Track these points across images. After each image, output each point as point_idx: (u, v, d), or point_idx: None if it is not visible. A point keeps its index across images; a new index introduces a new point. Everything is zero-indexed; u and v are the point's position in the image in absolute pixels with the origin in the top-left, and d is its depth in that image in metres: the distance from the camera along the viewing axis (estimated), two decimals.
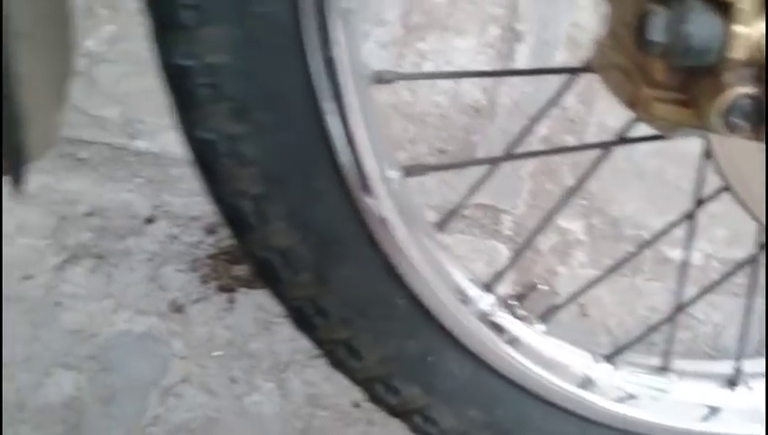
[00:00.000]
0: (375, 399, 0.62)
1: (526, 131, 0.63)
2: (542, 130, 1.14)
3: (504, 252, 1.00)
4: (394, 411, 0.62)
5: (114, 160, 1.13)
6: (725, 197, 0.59)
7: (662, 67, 0.41)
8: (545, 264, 0.99)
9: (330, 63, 0.50)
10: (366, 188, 0.54)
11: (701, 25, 0.37)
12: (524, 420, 0.66)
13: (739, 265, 0.67)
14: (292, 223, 0.53)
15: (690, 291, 0.96)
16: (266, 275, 0.55)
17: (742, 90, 0.39)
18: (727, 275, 0.68)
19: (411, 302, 0.58)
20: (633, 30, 0.39)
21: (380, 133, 0.55)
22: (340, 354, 0.59)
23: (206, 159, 0.51)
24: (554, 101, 0.61)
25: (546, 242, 1.01)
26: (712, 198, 0.63)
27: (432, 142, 1.15)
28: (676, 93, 0.41)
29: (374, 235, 0.55)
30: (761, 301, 0.95)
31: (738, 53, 0.37)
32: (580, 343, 0.70)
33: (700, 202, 0.64)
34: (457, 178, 1.07)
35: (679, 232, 1.00)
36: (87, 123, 1.16)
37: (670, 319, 0.70)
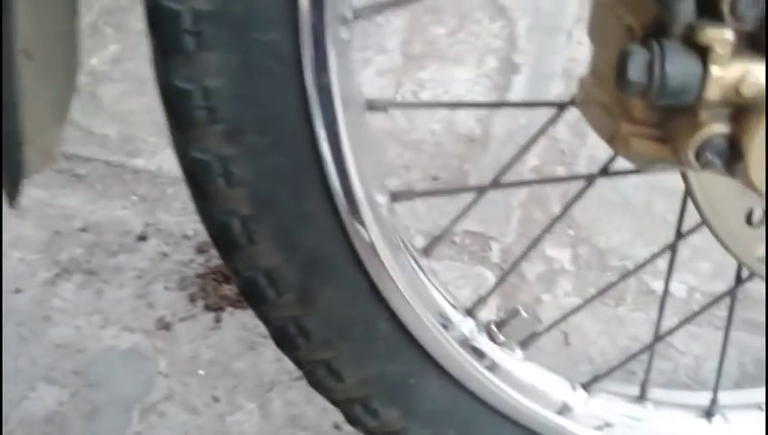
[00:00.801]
0: (353, 421, 0.63)
1: (514, 161, 0.64)
2: (534, 160, 1.16)
3: (491, 279, 1.02)
4: (372, 434, 0.63)
5: (111, 178, 1.14)
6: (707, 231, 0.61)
7: (641, 105, 0.42)
8: (530, 292, 1.00)
9: (324, 90, 0.51)
10: (354, 212, 0.55)
11: (679, 67, 0.38)
12: None
13: (717, 298, 0.68)
14: (279, 244, 0.54)
15: (673, 322, 0.98)
16: (251, 295, 0.56)
17: (716, 128, 0.40)
18: (706, 307, 0.69)
19: (394, 325, 0.60)
20: (614, 69, 0.41)
21: (371, 159, 0.57)
22: (320, 375, 0.60)
23: (199, 179, 0.52)
24: (541, 133, 0.63)
25: (532, 270, 1.02)
26: (692, 231, 0.64)
27: (426, 169, 1.17)
28: (653, 130, 0.43)
29: (360, 258, 0.57)
30: (740, 334, 0.96)
31: (713, 94, 0.38)
32: (560, 370, 0.71)
33: (680, 235, 0.66)
34: (448, 205, 1.08)
35: (663, 263, 1.02)
36: (87, 140, 1.18)
37: (648, 349, 0.71)
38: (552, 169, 1.14)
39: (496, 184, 0.64)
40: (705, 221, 0.55)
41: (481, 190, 0.65)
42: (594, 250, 1.04)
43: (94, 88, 1.27)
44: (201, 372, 0.88)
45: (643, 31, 0.40)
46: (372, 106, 0.57)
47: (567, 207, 0.64)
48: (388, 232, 0.59)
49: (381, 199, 0.59)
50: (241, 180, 0.52)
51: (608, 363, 0.88)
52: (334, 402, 0.63)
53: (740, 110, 0.40)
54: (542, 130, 0.63)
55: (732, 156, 0.40)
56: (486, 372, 0.66)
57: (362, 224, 0.56)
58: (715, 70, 0.38)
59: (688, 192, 0.54)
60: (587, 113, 0.48)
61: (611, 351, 0.92)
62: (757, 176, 0.40)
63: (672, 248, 0.67)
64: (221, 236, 0.54)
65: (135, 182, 1.12)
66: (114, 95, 1.26)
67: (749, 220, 0.55)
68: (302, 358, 0.60)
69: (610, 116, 0.44)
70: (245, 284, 0.56)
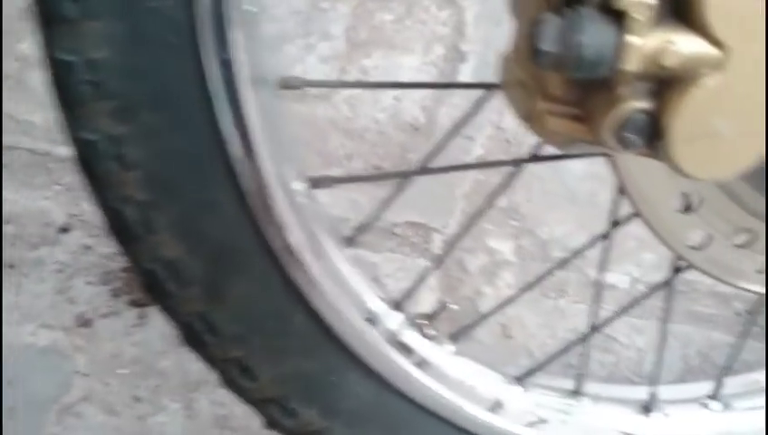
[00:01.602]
0: (271, 422, 0.59)
1: (439, 148, 0.61)
2: (479, 150, 1.13)
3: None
4: (292, 433, 0.59)
5: (35, 166, 1.08)
6: None
7: (557, 80, 0.39)
8: (472, 284, 0.97)
9: (226, 66, 0.47)
10: (265, 199, 0.51)
11: (593, 35, 0.35)
12: None
13: (653, 289, 0.66)
14: (180, 233, 0.50)
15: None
16: (153, 288, 0.52)
17: (636, 104, 0.37)
18: (640, 298, 0.67)
19: (311, 320, 0.56)
20: (527, 40, 0.38)
21: (286, 142, 0.53)
22: (232, 374, 0.56)
23: (89, 161, 0.47)
24: (468, 118, 0.59)
25: (474, 262, 0.99)
26: (626, 220, 0.62)
27: (368, 159, 1.13)
28: (571, 108, 0.39)
29: (273, 249, 0.53)
30: (684, 327, 0.95)
31: (632, 65, 0.35)
32: (494, 364, 0.68)
33: (616, 223, 0.63)
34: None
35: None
36: (12, 128, 1.12)
37: (583, 340, 0.69)
38: (495, 158, 1.11)
39: (423, 170, 0.61)
40: (636, 210, 0.53)
41: (405, 176, 0.62)
42: (537, 241, 1.01)
43: (22, 74, 1.21)
44: (123, 371, 0.84)
45: None
46: (286, 85, 0.53)
47: (494, 197, 0.61)
48: (305, 221, 0.55)
49: (298, 186, 0.55)
50: (135, 163, 0.47)
51: (547, 356, 0.85)
52: (250, 402, 0.59)
53: (662, 83, 0.37)
54: (472, 114, 0.60)
55: (653, 134, 0.37)
56: (414, 369, 0.63)
57: (274, 212, 0.52)
58: (632, 38, 0.35)
59: (618, 180, 0.51)
60: (508, 93, 0.45)
61: (552, 344, 0.90)
62: (680, 155, 0.37)
63: (605, 237, 0.64)
64: (116, 224, 0.50)
65: (60, 171, 1.06)
66: (43, 81, 1.19)
67: (683, 207, 0.52)
68: (212, 356, 0.56)
69: (527, 94, 0.41)
70: (146, 276, 0.51)
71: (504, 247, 1.01)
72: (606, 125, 0.38)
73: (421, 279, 0.65)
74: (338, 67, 1.26)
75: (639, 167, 0.50)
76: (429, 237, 1.02)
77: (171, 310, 0.54)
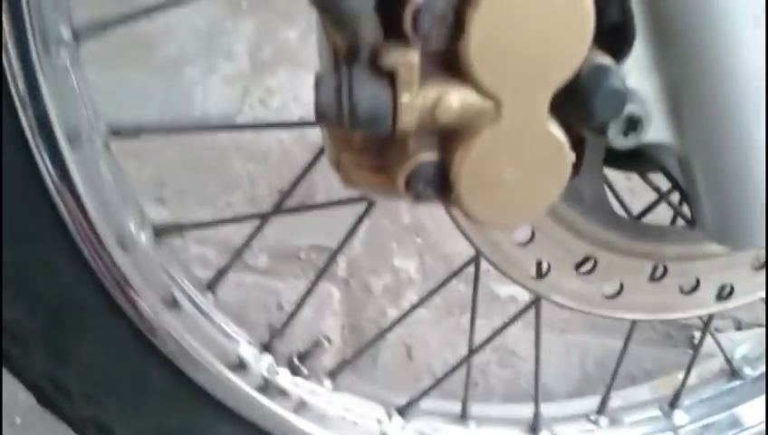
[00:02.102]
0: None
1: (296, 184, 0.60)
2: None
3: (336, 295, 0.98)
4: None
5: None
6: None
7: (357, 134, 0.39)
8: (377, 305, 0.97)
9: (43, 122, 0.46)
10: (101, 256, 0.50)
11: (367, 94, 0.35)
12: None
13: (519, 314, 0.66)
14: (16, 295, 0.49)
15: (518, 329, 0.96)
16: None
17: (423, 157, 0.37)
18: (510, 322, 0.67)
19: (169, 374, 0.55)
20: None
21: (121, 192, 0.52)
22: (90, 433, 0.55)
23: None
24: (313, 162, 0.59)
25: (379, 282, 0.99)
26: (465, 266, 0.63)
27: (272, 182, 1.12)
28: (371, 159, 0.39)
29: (118, 305, 0.52)
30: (582, 337, 0.95)
31: (408, 121, 0.35)
32: (375, 396, 0.68)
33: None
34: (294, 221, 1.04)
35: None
36: None
37: (462, 364, 0.69)
38: None
39: (277, 210, 0.60)
40: (478, 252, 0.53)
41: (264, 218, 0.61)
42: (440, 256, 1.01)
43: None
44: (18, 419, 0.82)
45: (342, 53, 0.37)
46: (118, 132, 0.52)
47: (348, 238, 0.60)
48: (152, 272, 0.54)
49: (142, 237, 0.54)
50: None
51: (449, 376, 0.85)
52: None
53: (445, 136, 0.37)
54: (310, 166, 0.59)
55: (444, 185, 0.37)
56: (291, 414, 0.62)
57: (113, 266, 0.51)
58: (405, 96, 0.34)
59: (457, 226, 0.51)
60: (323, 138, 0.44)
61: (454, 362, 0.90)
62: (470, 204, 0.37)
63: (475, 261, 0.64)
64: None
65: None
66: None
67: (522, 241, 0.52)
68: (68, 417, 0.54)
69: (335, 144, 0.41)
70: None
71: (407, 265, 1.01)
72: (399, 177, 0.37)
73: (291, 317, 0.64)
74: (241, 88, 1.25)
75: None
76: (334, 261, 1.01)
77: (20, 374, 0.52)
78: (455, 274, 0.66)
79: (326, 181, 1.11)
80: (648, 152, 0.49)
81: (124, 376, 0.53)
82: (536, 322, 0.65)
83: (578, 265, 0.52)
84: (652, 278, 0.54)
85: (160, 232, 0.55)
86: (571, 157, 0.37)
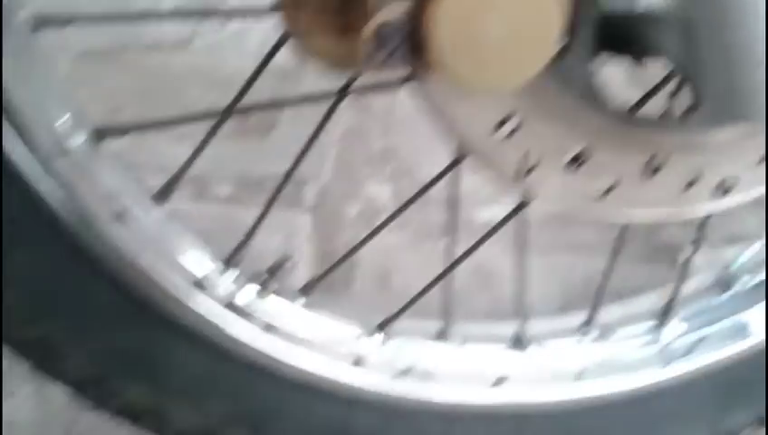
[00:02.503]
0: (96, 403, 0.53)
1: (245, 90, 0.55)
2: None
3: (305, 224, 0.93)
4: (121, 414, 0.54)
5: None
6: None
7: None
8: (349, 233, 0.92)
9: None
10: (39, 157, 0.45)
11: None
12: (282, 408, 0.59)
13: (499, 224, 0.61)
14: None
15: (495, 251, 0.92)
16: None
17: (391, 10, 0.32)
18: (492, 232, 0.63)
19: (119, 293, 0.50)
20: None
21: (54, 91, 0.46)
22: (39, 355, 0.50)
23: None
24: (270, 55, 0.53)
25: (351, 209, 0.94)
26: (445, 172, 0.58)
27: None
28: (332, 19, 0.34)
29: (55, 214, 0.46)
30: (565, 257, 0.92)
31: None
32: (351, 315, 0.64)
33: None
34: (260, 146, 0.99)
35: (485, 191, 0.96)
36: None
37: (440, 278, 0.65)
38: None
39: (228, 111, 0.55)
40: (460, 148, 0.48)
41: (207, 118, 0.55)
42: (416, 182, 0.96)
43: None
44: None
45: None
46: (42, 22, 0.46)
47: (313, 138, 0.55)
48: (97, 178, 0.49)
49: (78, 140, 0.48)
50: None
51: (427, 301, 0.81)
52: (68, 385, 0.53)
53: None
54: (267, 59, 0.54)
55: (415, 44, 0.32)
56: (259, 332, 0.57)
57: (52, 172, 0.45)
58: None
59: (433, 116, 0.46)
60: (284, 15, 0.39)
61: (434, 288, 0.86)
62: (449, 61, 0.32)
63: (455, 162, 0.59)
64: None
65: None
66: None
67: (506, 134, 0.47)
68: (11, 338, 0.49)
69: (296, 9, 0.35)
70: None
71: (381, 192, 0.96)
72: (362, 37, 0.32)
73: (249, 236, 0.59)
74: None
75: (451, 101, 0.44)
76: (301, 188, 0.96)
77: None
78: (435, 180, 0.61)
79: (290, 107, 1.05)
80: (646, 32, 0.44)
81: (68, 295, 0.48)
82: (521, 232, 0.61)
83: (567, 161, 0.47)
84: (647, 173, 0.50)
85: (101, 134, 0.49)
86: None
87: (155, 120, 0.52)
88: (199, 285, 0.55)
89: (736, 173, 0.51)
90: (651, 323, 0.71)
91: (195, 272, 0.55)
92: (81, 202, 0.47)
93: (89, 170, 0.47)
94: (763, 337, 0.67)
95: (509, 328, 0.70)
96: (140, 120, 0.51)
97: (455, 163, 0.58)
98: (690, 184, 0.51)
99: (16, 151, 0.44)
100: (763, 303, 0.67)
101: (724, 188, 0.51)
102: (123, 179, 0.51)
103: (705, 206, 0.53)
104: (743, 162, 0.51)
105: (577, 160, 0.47)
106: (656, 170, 0.50)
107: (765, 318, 0.67)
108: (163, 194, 0.54)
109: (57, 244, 0.47)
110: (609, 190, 0.49)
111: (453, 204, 0.64)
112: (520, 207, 0.57)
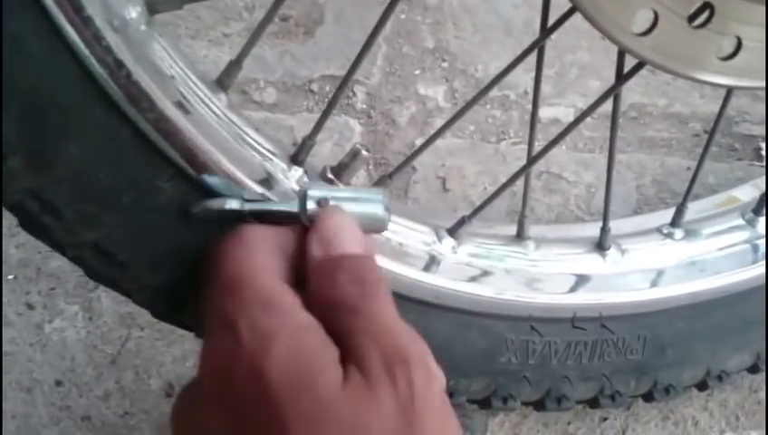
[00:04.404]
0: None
1: None
2: None
3: (357, 128, 0.87)
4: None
5: None
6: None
7: None
8: (403, 137, 0.87)
9: None
10: (88, 32, 0.39)
11: None
12: None
13: (596, 103, 0.55)
14: None
15: (561, 150, 0.86)
16: None
17: None
18: (576, 123, 0.57)
19: (182, 186, 0.45)
20: None
21: None
22: (92, 263, 0.45)
23: None
24: None
25: (404, 112, 0.88)
26: (561, 22, 0.51)
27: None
28: None
29: (111, 97, 0.41)
30: (637, 156, 0.86)
31: None
32: (423, 218, 0.59)
33: (548, 31, 0.52)
34: (302, 49, 0.92)
35: (546, 88, 0.89)
36: None
37: (518, 176, 0.59)
38: None
39: None
40: (575, 5, 0.41)
41: None
42: (471, 82, 0.90)
43: None
44: (10, 277, 0.73)
45: None
46: None
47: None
48: (149, 57, 0.43)
49: (133, 13, 0.42)
50: None
51: (491, 207, 0.76)
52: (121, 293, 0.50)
53: None
54: None
55: None
56: None
57: (102, 48, 0.40)
58: None
59: None
60: None
61: (493, 191, 0.80)
62: None
63: (538, 47, 0.53)
64: None
65: None
66: None
67: None
68: (60, 242, 0.45)
69: None
70: None
71: (434, 93, 0.89)
72: None
73: (318, 129, 0.53)
74: None
75: None
76: (351, 91, 0.90)
77: None
78: (525, 53, 0.54)
79: (333, 5, 0.98)
80: None
81: (126, 188, 0.43)
82: (614, 109, 0.55)
83: (691, 16, 0.41)
84: None
85: (155, 7, 0.43)
86: None
87: None
88: (265, 183, 0.50)
89: None
90: (743, 218, 0.65)
91: (260, 168, 0.50)
92: (139, 88, 0.41)
93: (146, 48, 0.42)
94: None
95: (587, 229, 0.65)
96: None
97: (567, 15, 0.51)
98: None
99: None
100: None
101: None
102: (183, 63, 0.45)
103: None
104: None
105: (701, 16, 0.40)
106: None
107: None
108: (222, 83, 0.49)
109: (114, 129, 0.42)
110: (734, 54, 0.42)
111: (534, 102, 0.58)
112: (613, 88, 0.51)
